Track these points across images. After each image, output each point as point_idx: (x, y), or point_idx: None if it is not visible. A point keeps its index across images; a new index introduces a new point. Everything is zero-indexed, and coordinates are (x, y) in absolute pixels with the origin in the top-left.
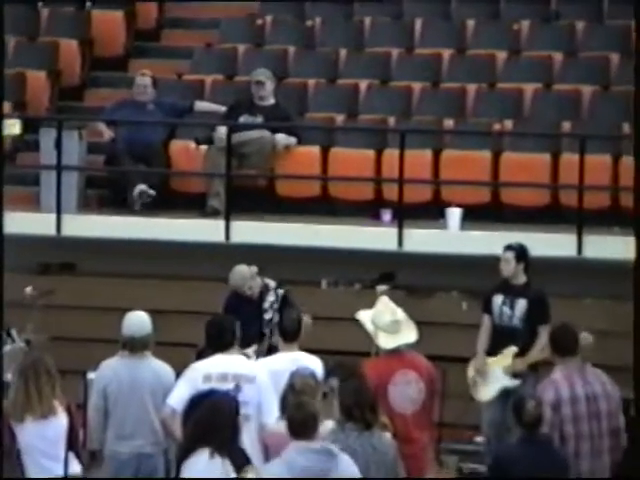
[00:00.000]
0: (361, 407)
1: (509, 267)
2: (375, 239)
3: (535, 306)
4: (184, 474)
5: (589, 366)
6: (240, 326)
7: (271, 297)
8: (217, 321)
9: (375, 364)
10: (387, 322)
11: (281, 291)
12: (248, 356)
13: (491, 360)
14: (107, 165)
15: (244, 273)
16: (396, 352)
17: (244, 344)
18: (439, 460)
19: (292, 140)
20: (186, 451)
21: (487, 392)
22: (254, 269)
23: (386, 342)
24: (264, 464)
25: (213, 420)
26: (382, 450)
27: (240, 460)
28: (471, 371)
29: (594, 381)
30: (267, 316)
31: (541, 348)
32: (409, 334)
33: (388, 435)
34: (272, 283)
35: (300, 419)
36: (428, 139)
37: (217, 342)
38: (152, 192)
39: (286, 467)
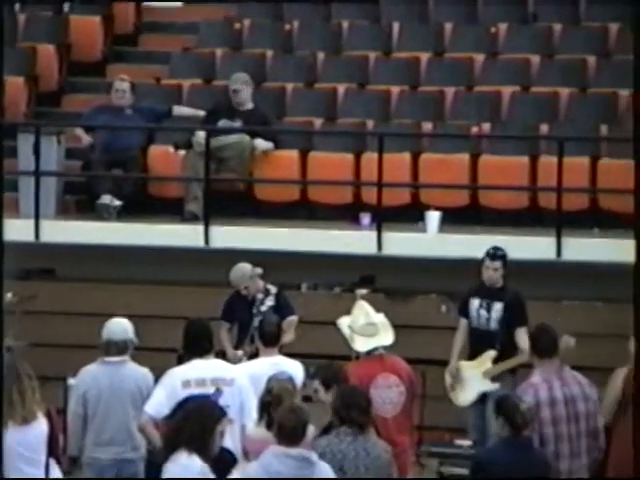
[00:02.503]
0: (360, 408)
1: (498, 275)
2: (354, 243)
3: (512, 308)
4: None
5: (567, 368)
6: (237, 327)
7: (270, 302)
8: (193, 326)
9: (356, 368)
10: (362, 325)
11: (274, 289)
12: (239, 358)
13: (469, 364)
14: (84, 171)
15: (244, 271)
16: (377, 356)
17: (239, 345)
18: (420, 463)
19: (269, 145)
20: (166, 456)
21: (466, 397)
22: (257, 270)
23: (362, 345)
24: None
25: (192, 425)
26: (375, 454)
27: (227, 461)
28: (448, 377)
29: (572, 383)
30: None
31: (523, 354)
32: (385, 336)
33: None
34: (273, 289)
35: (291, 426)
36: (406, 142)
37: (194, 347)
38: (117, 203)
39: (261, 470)
